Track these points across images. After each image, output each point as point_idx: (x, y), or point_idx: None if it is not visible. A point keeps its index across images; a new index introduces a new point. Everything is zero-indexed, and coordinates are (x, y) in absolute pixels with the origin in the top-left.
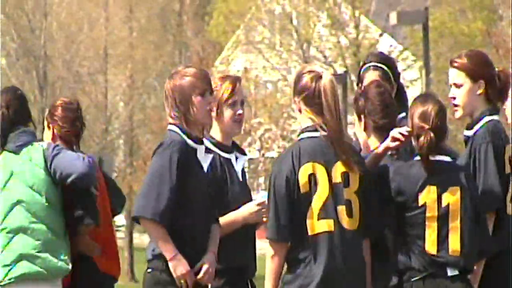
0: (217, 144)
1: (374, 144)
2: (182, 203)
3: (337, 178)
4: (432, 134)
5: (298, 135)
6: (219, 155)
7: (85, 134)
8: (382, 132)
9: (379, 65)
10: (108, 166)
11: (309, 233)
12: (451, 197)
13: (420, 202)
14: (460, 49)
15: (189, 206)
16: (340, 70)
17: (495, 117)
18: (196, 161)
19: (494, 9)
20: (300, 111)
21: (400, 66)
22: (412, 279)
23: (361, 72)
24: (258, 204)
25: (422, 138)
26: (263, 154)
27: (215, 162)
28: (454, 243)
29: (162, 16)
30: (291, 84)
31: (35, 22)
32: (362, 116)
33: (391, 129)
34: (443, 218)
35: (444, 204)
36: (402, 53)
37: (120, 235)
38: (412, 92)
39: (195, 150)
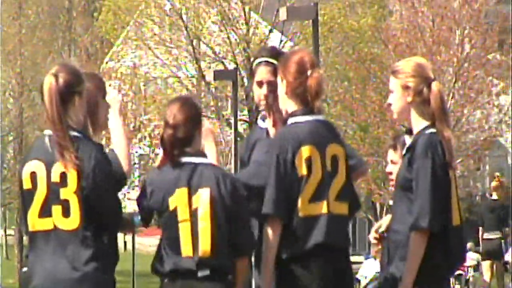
0: None
1: None
2: None
3: (56, 178)
4: (171, 131)
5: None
6: None
7: None
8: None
9: (271, 60)
10: None
11: (30, 229)
12: (200, 200)
13: (171, 206)
14: (349, 44)
15: None
16: (230, 66)
17: (297, 119)
18: None
19: (384, 5)
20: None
21: None
22: (165, 281)
23: (253, 67)
24: None
25: (164, 134)
26: (153, 151)
27: None
28: (205, 245)
29: (52, 12)
30: (182, 81)
31: None
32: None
33: None
34: (194, 221)
35: (194, 207)
36: (292, 48)
37: (10, 232)
38: None
39: None
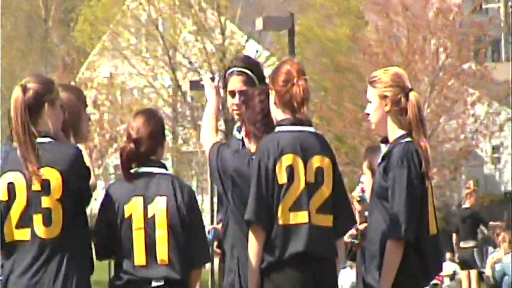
0: None
1: (253, 149)
2: None
3: (37, 186)
4: (132, 145)
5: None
6: None
7: None
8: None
9: (243, 69)
10: None
11: (7, 240)
12: (156, 208)
13: (126, 214)
14: (325, 54)
15: None
16: (206, 76)
17: (284, 128)
18: None
19: (360, 15)
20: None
21: (266, 72)
22: None
23: (226, 76)
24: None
25: (124, 147)
26: None
27: None
28: (162, 253)
29: (28, 23)
30: (158, 90)
31: None
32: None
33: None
34: (150, 229)
35: (150, 215)
36: (268, 58)
37: None
38: None
39: None
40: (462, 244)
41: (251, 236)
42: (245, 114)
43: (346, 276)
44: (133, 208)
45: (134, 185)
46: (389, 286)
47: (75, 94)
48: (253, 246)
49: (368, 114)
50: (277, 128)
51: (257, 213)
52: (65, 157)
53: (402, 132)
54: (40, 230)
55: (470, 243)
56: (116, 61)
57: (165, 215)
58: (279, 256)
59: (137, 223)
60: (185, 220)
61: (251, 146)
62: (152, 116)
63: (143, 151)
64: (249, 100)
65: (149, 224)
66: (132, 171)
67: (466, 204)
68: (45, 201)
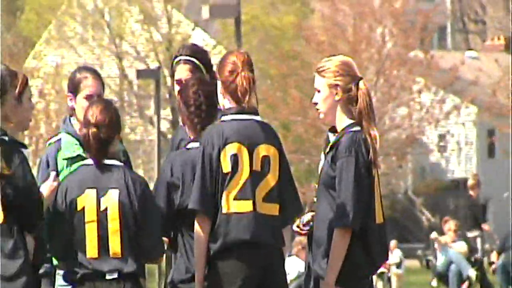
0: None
1: (191, 136)
2: None
3: None
4: (95, 129)
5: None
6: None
7: None
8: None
9: (190, 58)
10: None
11: None
12: (109, 200)
13: (79, 207)
14: (271, 42)
15: None
16: (153, 65)
17: (229, 117)
18: None
19: (306, 2)
20: None
21: (213, 60)
22: (74, 283)
23: (173, 65)
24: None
25: (87, 133)
26: None
27: None
28: (115, 246)
29: None
30: (104, 79)
31: None
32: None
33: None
34: (102, 222)
35: (102, 208)
36: (215, 47)
37: None
38: None
39: None
40: (468, 234)
41: (196, 225)
42: (180, 104)
43: (293, 265)
44: (86, 200)
45: (87, 177)
46: (335, 274)
47: None
48: (199, 234)
49: (316, 103)
50: (223, 117)
51: (201, 202)
52: (8, 156)
53: (350, 121)
54: None
55: (475, 233)
56: (62, 50)
57: (117, 208)
58: (224, 244)
59: (90, 216)
60: (138, 212)
61: (189, 133)
62: (109, 105)
63: (103, 137)
64: (183, 90)
65: (102, 217)
66: (84, 162)
67: (471, 193)
68: None
